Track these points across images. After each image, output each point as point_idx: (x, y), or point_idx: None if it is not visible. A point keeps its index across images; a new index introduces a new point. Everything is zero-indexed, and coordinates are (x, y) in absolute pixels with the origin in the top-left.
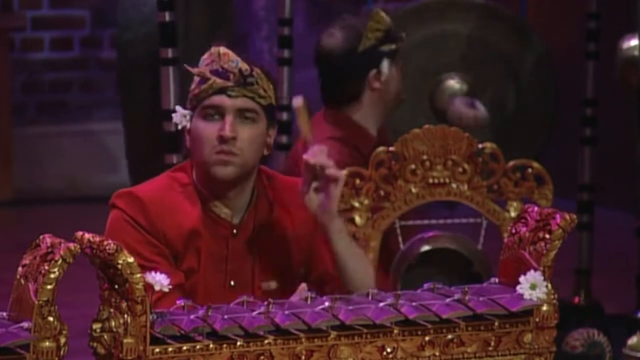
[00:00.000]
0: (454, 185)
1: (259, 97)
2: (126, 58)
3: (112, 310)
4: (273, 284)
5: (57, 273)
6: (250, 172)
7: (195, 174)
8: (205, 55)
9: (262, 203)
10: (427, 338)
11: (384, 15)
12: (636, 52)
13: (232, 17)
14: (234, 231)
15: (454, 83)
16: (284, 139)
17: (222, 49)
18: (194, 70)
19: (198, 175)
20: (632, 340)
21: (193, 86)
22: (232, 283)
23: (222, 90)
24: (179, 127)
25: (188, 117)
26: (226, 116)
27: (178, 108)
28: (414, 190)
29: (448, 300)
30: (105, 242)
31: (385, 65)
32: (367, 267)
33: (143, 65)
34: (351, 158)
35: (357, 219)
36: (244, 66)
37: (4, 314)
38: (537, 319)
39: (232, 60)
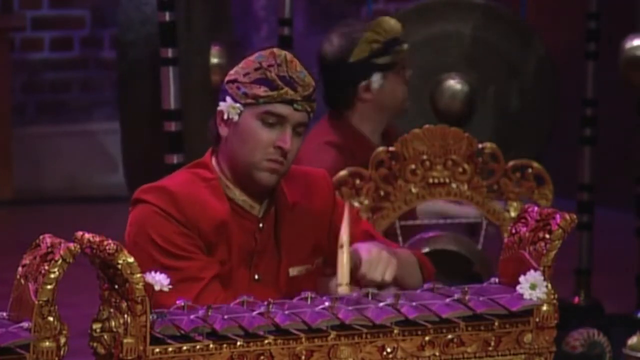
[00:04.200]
0: (454, 185)
1: (313, 111)
2: (126, 58)
3: (112, 310)
4: (298, 270)
5: (57, 273)
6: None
7: (223, 168)
8: (265, 53)
9: (279, 194)
10: (427, 338)
11: (391, 23)
12: (639, 52)
13: (230, 20)
14: (260, 225)
15: (454, 83)
16: None
17: (288, 55)
18: (259, 74)
19: (231, 170)
20: (632, 340)
21: (248, 79)
22: (256, 277)
23: (290, 102)
24: (226, 117)
25: (238, 111)
26: (287, 128)
27: (229, 99)
28: (414, 190)
29: (448, 300)
30: (105, 242)
31: (375, 78)
32: (415, 269)
33: (143, 65)
34: (345, 165)
35: None
36: (310, 81)
37: (4, 314)
38: (537, 319)
39: (300, 71)
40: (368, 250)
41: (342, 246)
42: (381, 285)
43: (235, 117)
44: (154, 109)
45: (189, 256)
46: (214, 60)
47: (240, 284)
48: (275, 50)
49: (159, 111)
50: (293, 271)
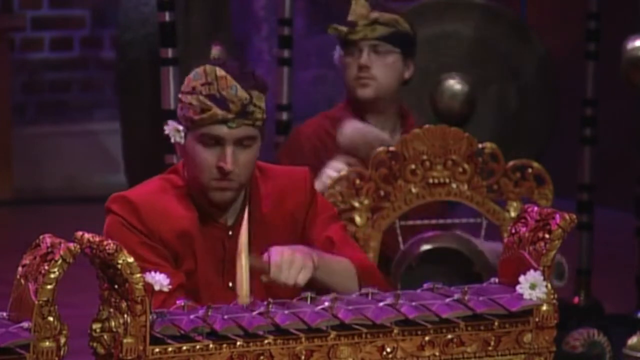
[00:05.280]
0: (454, 185)
1: (257, 120)
2: (126, 58)
3: (112, 310)
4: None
5: (57, 273)
6: (245, 187)
7: (189, 182)
8: (200, 70)
9: (255, 199)
10: (427, 338)
11: (356, 6)
12: None
13: (229, 19)
14: (230, 232)
15: (454, 83)
16: (282, 139)
17: (219, 71)
18: (192, 97)
19: (193, 187)
20: (632, 340)
21: (186, 101)
22: (230, 284)
23: (222, 121)
24: (172, 140)
25: (182, 134)
26: (226, 147)
27: (171, 122)
28: (414, 190)
29: (448, 300)
30: (105, 242)
31: (337, 51)
32: (349, 279)
33: (143, 65)
34: (325, 132)
35: (357, 219)
36: (243, 95)
37: (4, 314)
38: (537, 319)
39: (231, 86)
40: (280, 253)
41: (239, 254)
42: (296, 289)
43: (182, 141)
44: (153, 108)
45: (154, 268)
46: None
47: (213, 293)
48: (207, 67)
49: (158, 111)
50: (265, 277)
